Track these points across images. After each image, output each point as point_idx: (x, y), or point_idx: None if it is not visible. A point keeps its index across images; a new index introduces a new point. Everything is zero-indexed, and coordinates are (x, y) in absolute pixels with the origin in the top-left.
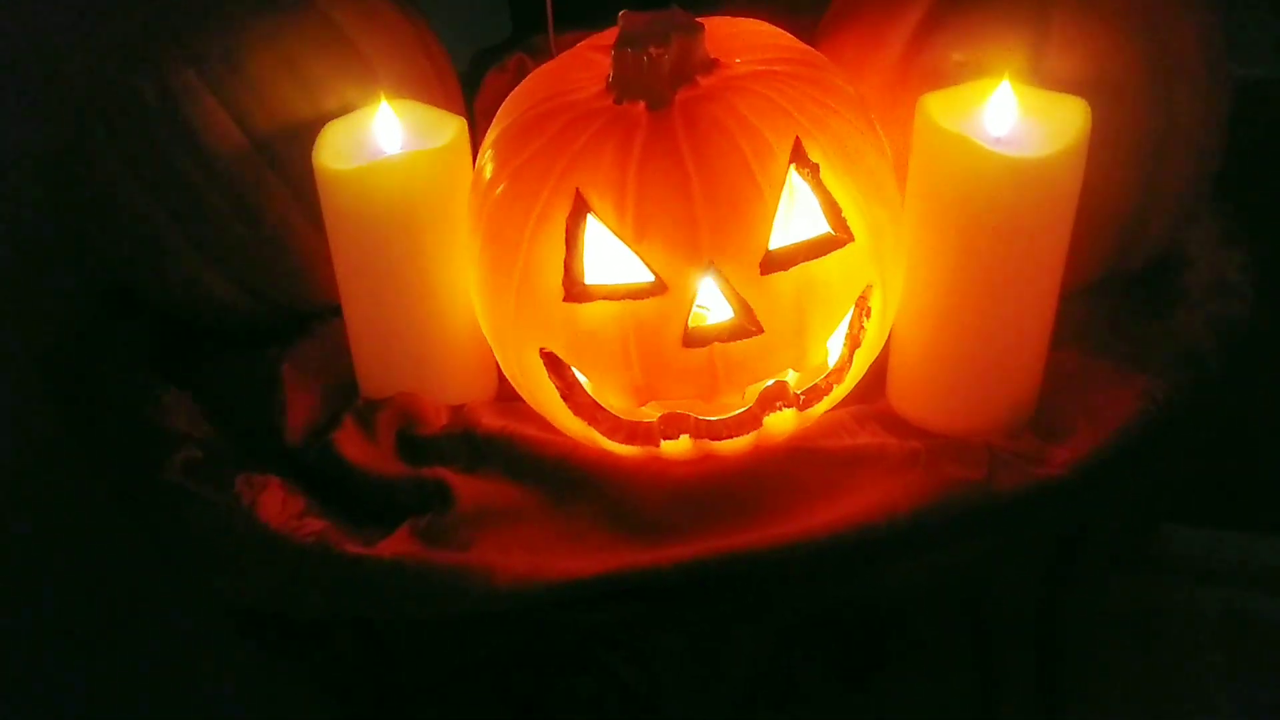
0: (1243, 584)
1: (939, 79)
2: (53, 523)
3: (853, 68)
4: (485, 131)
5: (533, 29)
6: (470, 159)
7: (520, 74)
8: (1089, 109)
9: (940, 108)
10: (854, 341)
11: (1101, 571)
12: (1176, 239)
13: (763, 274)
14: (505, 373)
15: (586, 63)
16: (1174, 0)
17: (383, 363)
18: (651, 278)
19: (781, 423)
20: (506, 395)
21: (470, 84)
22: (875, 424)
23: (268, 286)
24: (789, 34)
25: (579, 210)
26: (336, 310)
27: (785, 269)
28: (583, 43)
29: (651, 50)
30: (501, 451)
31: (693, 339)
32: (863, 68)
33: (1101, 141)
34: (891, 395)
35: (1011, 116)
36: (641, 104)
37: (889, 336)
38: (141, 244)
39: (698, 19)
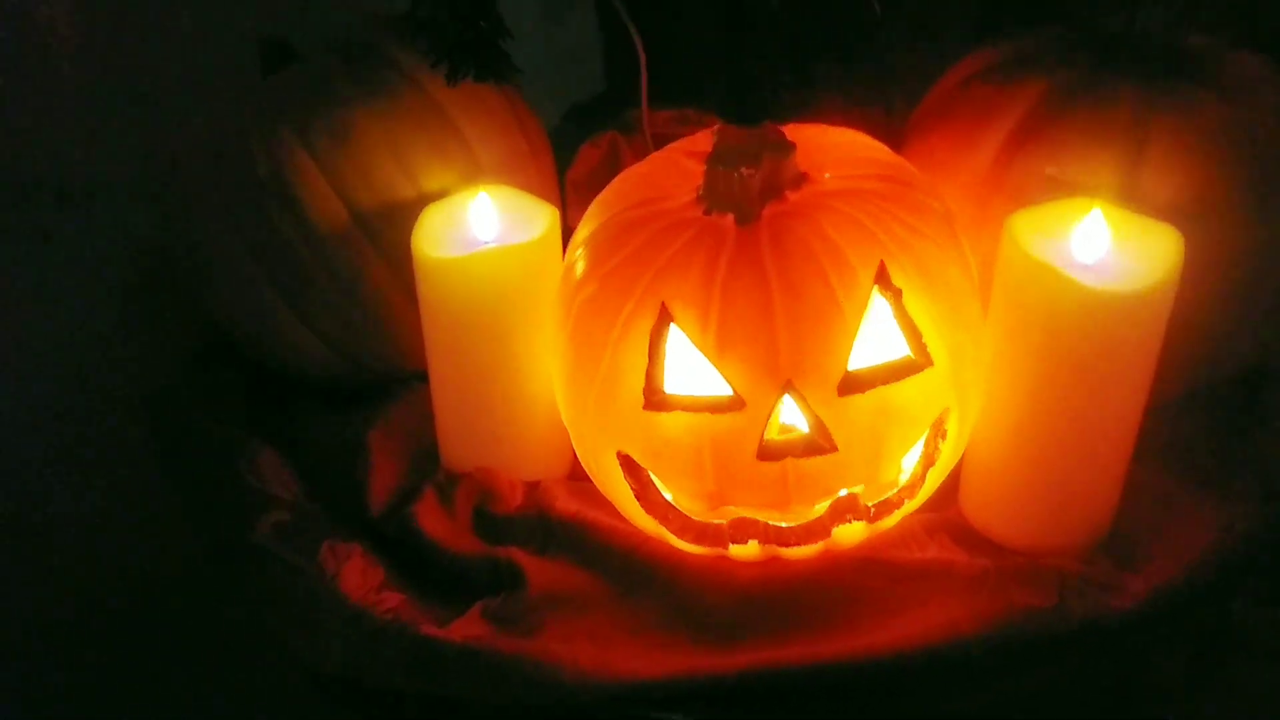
0: None
1: (1030, 191)
2: (146, 563)
3: (942, 171)
4: (575, 204)
5: (625, 82)
6: (560, 248)
7: (613, 151)
8: (1182, 240)
9: (1027, 229)
10: (929, 460)
11: (1175, 683)
12: (1267, 353)
13: (840, 395)
14: (581, 462)
15: (678, 168)
16: (1273, 115)
17: (464, 437)
18: (730, 393)
19: (851, 534)
20: (578, 474)
21: (561, 142)
22: (945, 535)
23: (360, 351)
24: (881, 144)
25: (663, 321)
26: (422, 375)
27: (863, 391)
28: (676, 145)
29: (743, 170)
30: (573, 537)
31: (767, 452)
32: (952, 172)
33: (1194, 264)
34: (963, 503)
35: (1101, 245)
36: (730, 216)
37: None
38: (243, 302)
39: (791, 125)
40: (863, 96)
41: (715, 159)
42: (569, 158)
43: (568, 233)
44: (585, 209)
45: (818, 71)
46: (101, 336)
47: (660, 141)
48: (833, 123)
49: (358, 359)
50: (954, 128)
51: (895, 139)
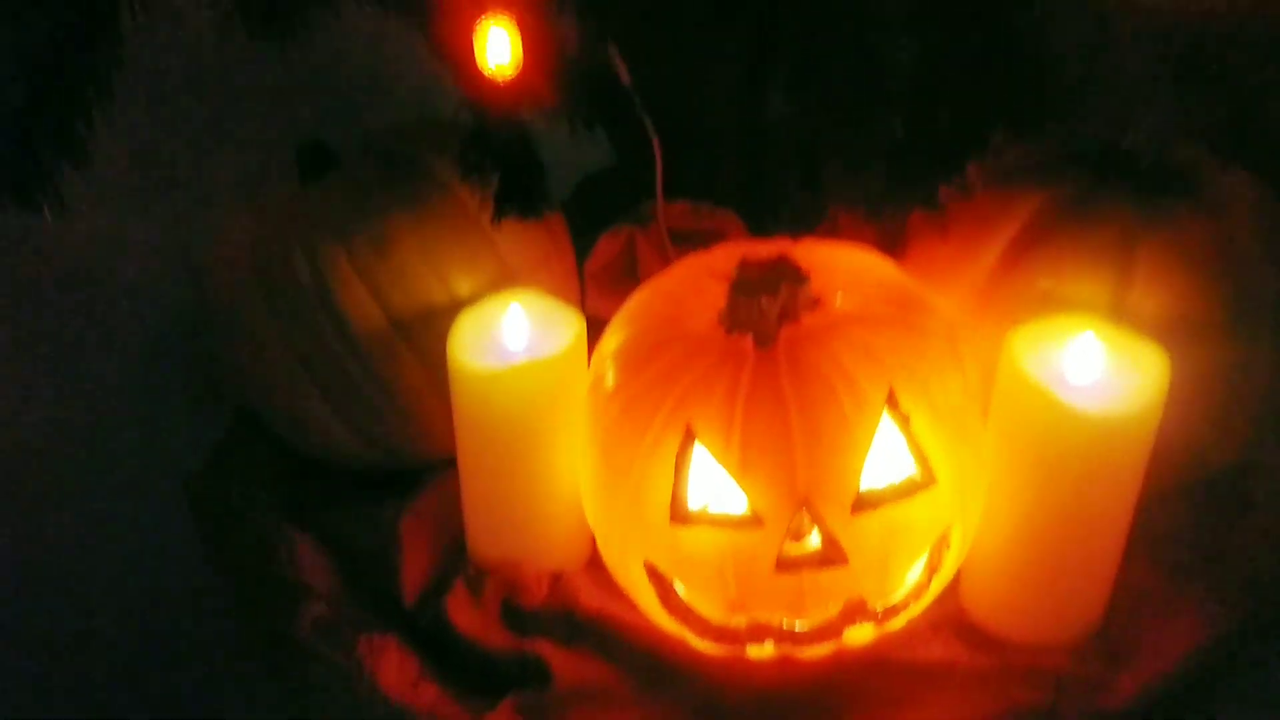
0: None
1: (1027, 302)
2: (188, 642)
3: (942, 279)
4: (594, 293)
5: (635, 156)
6: (586, 353)
7: (630, 247)
8: (1168, 362)
9: (1025, 347)
10: (933, 568)
11: None
12: (1251, 450)
13: (853, 514)
14: (606, 564)
15: (700, 288)
16: (1256, 238)
17: (492, 530)
18: (751, 512)
19: (860, 635)
20: (598, 560)
21: (575, 220)
22: (949, 632)
23: (392, 442)
24: (887, 262)
25: (688, 441)
26: (450, 462)
27: (874, 509)
28: (698, 262)
29: (763, 300)
30: (597, 631)
31: (785, 565)
32: (952, 280)
33: (1180, 375)
34: (964, 598)
35: (1093, 367)
36: (749, 337)
37: None
38: (280, 393)
39: (804, 242)
40: (869, 200)
41: (737, 288)
42: (584, 241)
43: (588, 326)
44: (603, 297)
45: (828, 175)
46: (135, 414)
47: (676, 235)
48: (841, 226)
49: (390, 449)
50: (953, 238)
51: (899, 243)
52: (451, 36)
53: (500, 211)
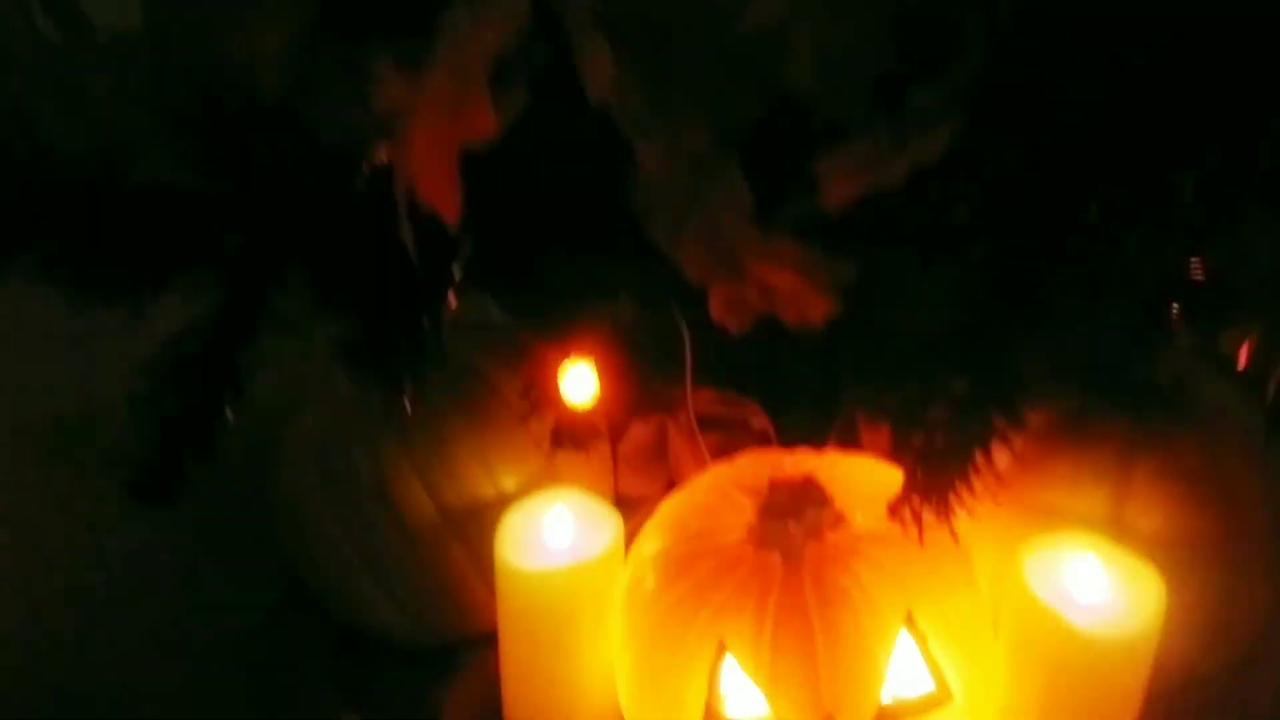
0: None
1: (1031, 517)
2: None
3: None
4: (625, 474)
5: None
6: (624, 552)
7: (661, 432)
8: (1164, 586)
9: (1031, 568)
10: None
11: None
12: (1249, 654)
13: None
14: None
15: (731, 502)
16: (1245, 461)
17: (530, 714)
18: None
19: None
20: None
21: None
22: None
23: (437, 622)
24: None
25: (721, 653)
26: (490, 637)
27: None
28: (729, 474)
29: (790, 523)
30: None
31: None
32: None
33: (1176, 592)
34: None
35: (1095, 587)
36: (777, 553)
37: None
38: (329, 570)
39: (826, 455)
40: (886, 407)
41: (766, 510)
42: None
43: (620, 502)
44: (636, 477)
45: (847, 381)
46: (189, 576)
47: (703, 421)
48: (859, 431)
49: (435, 628)
50: None
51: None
52: (535, 373)
53: (556, 445)
